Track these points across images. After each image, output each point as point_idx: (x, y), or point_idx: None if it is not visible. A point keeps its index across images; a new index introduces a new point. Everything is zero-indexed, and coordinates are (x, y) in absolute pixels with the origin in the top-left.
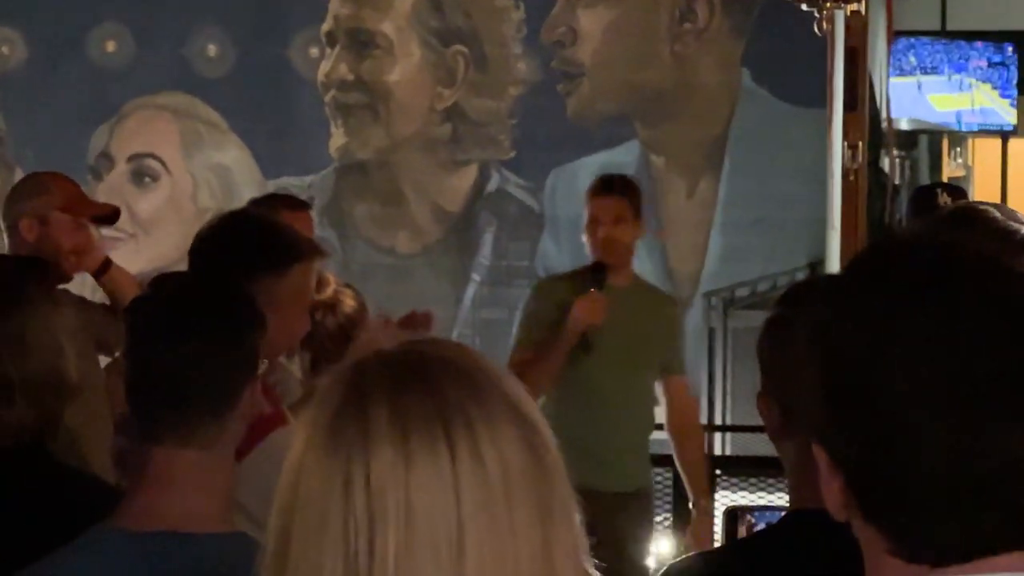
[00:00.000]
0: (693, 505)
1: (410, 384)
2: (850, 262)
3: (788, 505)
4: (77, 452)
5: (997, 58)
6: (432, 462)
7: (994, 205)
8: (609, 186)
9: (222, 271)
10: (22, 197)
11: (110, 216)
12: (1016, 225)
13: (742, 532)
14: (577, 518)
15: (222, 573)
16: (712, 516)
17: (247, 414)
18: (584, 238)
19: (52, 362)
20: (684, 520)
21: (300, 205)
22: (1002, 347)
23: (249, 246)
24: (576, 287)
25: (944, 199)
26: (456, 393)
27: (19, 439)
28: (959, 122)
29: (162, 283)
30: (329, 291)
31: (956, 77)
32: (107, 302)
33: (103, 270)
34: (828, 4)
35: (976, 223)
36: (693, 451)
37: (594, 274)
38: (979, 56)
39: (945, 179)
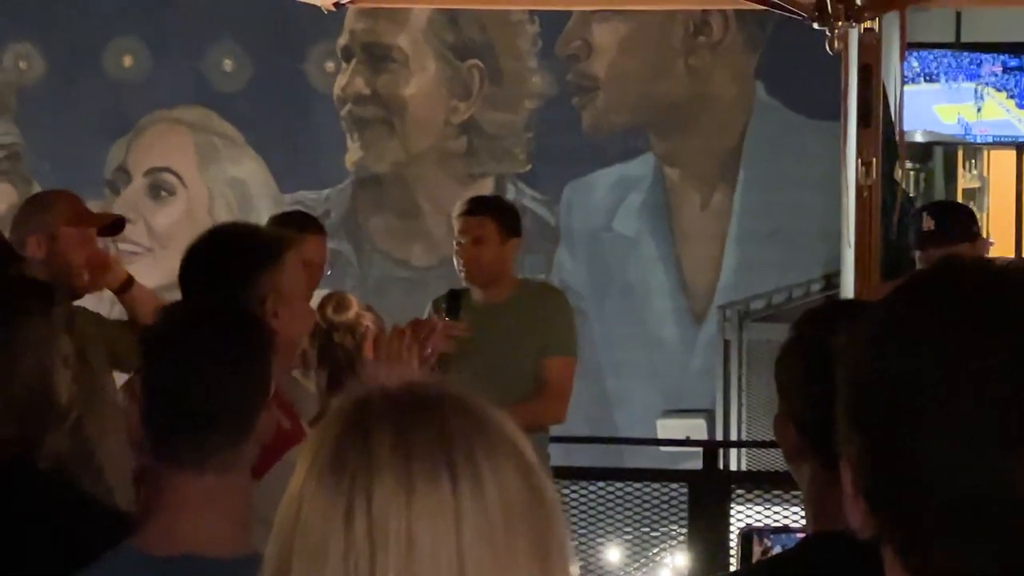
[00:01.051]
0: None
1: (414, 415)
2: (899, 287)
3: (804, 526)
4: (95, 467)
5: (1014, 63)
6: (434, 491)
7: None
8: (469, 207)
9: (222, 282)
10: (28, 216)
11: (114, 226)
12: None
13: (757, 554)
14: (574, 566)
15: None
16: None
17: (262, 436)
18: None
19: (39, 383)
20: (699, 536)
21: (311, 224)
22: None
23: (240, 250)
24: (441, 311)
25: (928, 224)
26: (460, 426)
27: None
28: (972, 133)
29: (173, 310)
30: (351, 313)
31: (968, 85)
32: (124, 318)
33: (125, 287)
34: (840, 23)
35: None
36: (540, 405)
37: (449, 301)
38: (993, 61)
39: (960, 191)
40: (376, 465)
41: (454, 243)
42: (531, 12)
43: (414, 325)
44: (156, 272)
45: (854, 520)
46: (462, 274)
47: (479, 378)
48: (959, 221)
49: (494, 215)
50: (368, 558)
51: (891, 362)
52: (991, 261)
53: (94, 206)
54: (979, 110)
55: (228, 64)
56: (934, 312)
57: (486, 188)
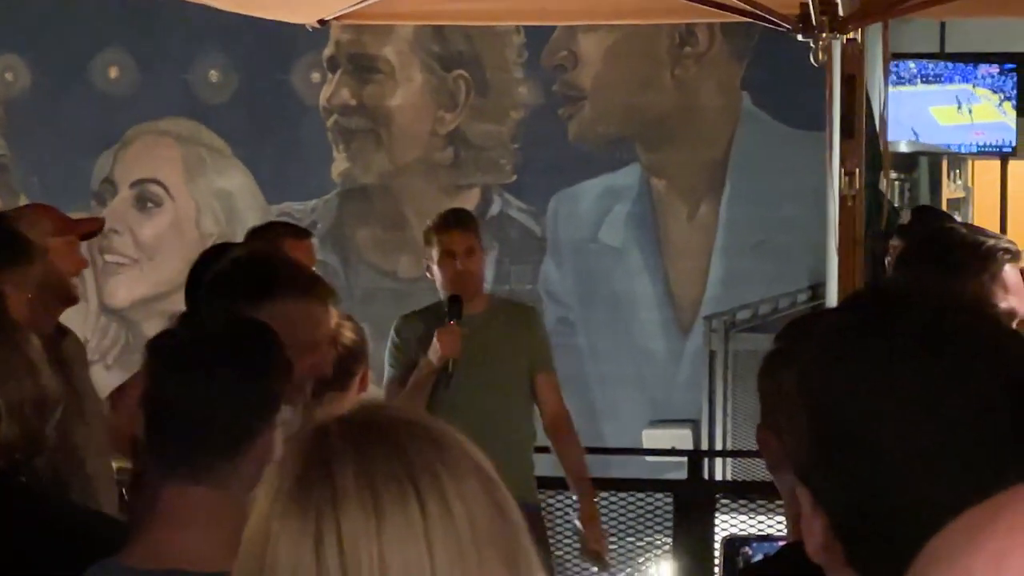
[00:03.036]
0: (578, 516)
1: (374, 444)
2: (844, 305)
3: (786, 535)
4: (85, 476)
5: (1010, 65)
6: (403, 517)
7: (962, 224)
8: (458, 220)
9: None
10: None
11: (95, 231)
12: (983, 237)
13: (740, 562)
14: (536, 564)
15: None
16: (598, 522)
17: (264, 457)
18: (432, 272)
19: (30, 381)
20: (684, 545)
21: (302, 233)
22: (996, 404)
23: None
24: (432, 321)
25: (906, 217)
26: (420, 450)
27: (6, 458)
28: (956, 143)
29: (187, 321)
30: (331, 324)
31: (964, 87)
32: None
33: None
34: (824, 35)
35: (946, 241)
36: (570, 449)
37: (451, 307)
38: (988, 64)
39: (944, 201)
40: (341, 496)
41: (435, 256)
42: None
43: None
44: (143, 283)
45: (810, 543)
46: (445, 289)
47: (472, 385)
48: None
49: (477, 228)
50: None
51: (855, 388)
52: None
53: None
54: (971, 112)
55: (215, 76)
56: (900, 338)
57: (472, 199)
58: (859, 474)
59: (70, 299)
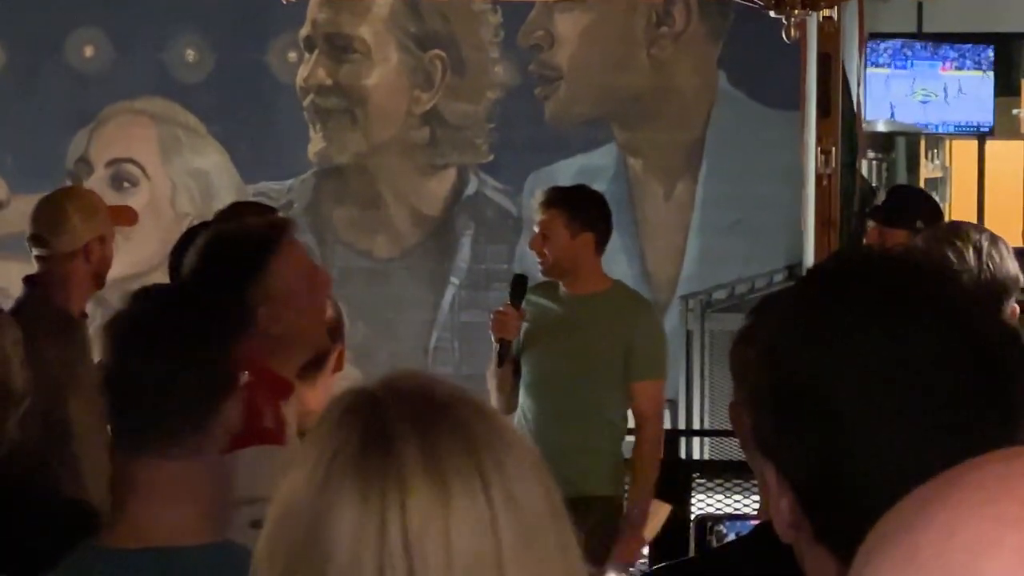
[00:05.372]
0: (625, 513)
1: (436, 421)
2: (805, 277)
3: (759, 514)
4: (70, 454)
5: (988, 45)
6: (470, 502)
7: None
8: (544, 199)
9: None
10: (87, 219)
11: (128, 225)
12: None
13: (712, 541)
14: (580, 553)
15: None
16: (641, 534)
17: (231, 424)
18: None
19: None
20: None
21: (268, 211)
22: (958, 367)
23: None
24: (540, 296)
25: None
26: (481, 430)
27: None
28: (936, 124)
29: (142, 296)
30: None
31: (942, 68)
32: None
33: None
34: (797, 11)
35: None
36: (643, 454)
37: (513, 286)
38: (965, 44)
39: (922, 181)
40: (407, 477)
41: None
42: (493, 2)
43: None
44: (118, 263)
45: (778, 521)
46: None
47: (554, 363)
48: (903, 208)
49: (563, 208)
50: (406, 572)
51: (815, 354)
52: (895, 251)
53: None
54: (948, 91)
55: (191, 55)
56: (859, 301)
57: (448, 179)
58: (823, 442)
59: (103, 285)
